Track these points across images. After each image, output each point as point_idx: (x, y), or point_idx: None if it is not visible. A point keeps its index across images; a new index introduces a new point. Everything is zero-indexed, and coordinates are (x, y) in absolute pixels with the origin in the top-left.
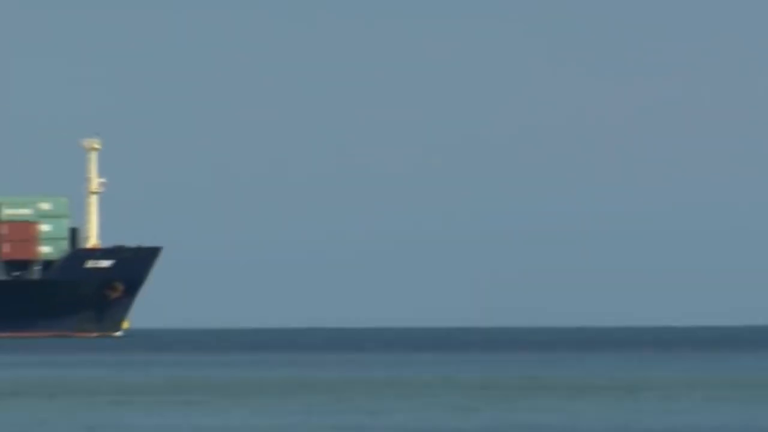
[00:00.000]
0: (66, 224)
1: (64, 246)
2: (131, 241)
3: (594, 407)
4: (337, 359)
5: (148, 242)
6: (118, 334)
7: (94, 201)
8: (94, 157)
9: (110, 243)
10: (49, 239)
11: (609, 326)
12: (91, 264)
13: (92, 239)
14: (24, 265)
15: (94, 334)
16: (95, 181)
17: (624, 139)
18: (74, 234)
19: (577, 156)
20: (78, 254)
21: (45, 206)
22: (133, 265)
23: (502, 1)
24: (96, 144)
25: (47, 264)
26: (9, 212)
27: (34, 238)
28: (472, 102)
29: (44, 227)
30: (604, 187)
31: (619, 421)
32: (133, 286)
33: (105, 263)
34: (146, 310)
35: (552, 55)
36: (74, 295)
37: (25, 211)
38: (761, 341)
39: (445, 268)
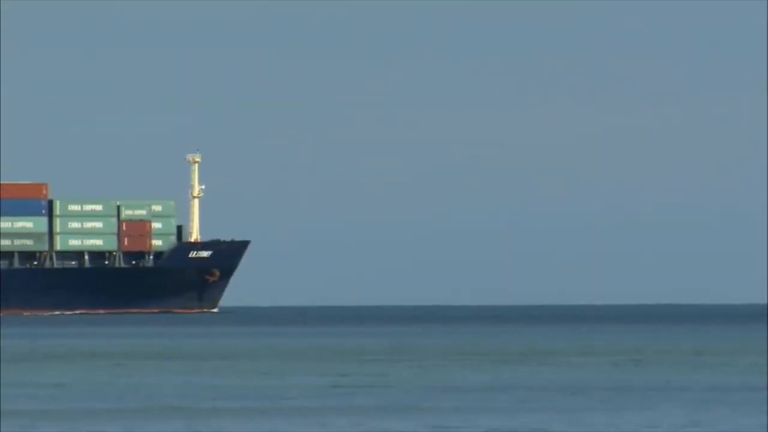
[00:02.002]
0: (173, 222)
1: (172, 240)
2: (226, 236)
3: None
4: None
5: (239, 237)
6: (214, 310)
7: (195, 204)
8: (196, 169)
9: (209, 237)
10: (160, 234)
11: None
12: (193, 254)
13: (194, 234)
14: (140, 255)
15: (196, 311)
16: (197, 188)
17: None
18: (180, 230)
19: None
20: (183, 247)
21: (156, 208)
22: (227, 255)
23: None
24: (197, 158)
25: (158, 254)
26: (128, 212)
27: (147, 234)
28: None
29: (156, 225)
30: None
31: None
32: (227, 272)
33: (204, 254)
34: (237, 292)
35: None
36: (180, 280)
37: (140, 212)
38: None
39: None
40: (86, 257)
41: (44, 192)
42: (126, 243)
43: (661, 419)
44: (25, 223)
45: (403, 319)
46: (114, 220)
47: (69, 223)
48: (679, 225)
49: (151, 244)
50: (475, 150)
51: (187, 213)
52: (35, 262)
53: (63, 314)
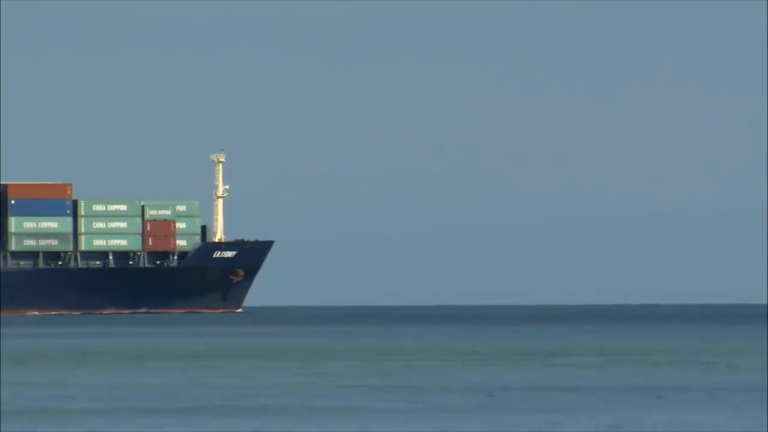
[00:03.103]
0: (198, 222)
1: (196, 240)
2: (250, 236)
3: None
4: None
5: (263, 237)
6: (238, 310)
7: (220, 204)
8: (220, 168)
9: (233, 237)
10: (184, 234)
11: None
12: (217, 254)
13: (219, 234)
14: (164, 255)
15: (220, 311)
16: (221, 188)
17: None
18: (204, 230)
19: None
20: (207, 247)
21: (181, 208)
22: (251, 255)
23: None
24: (222, 158)
25: (183, 254)
26: (152, 213)
27: (172, 234)
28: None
29: (180, 225)
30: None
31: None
32: (251, 272)
33: (229, 254)
34: (261, 292)
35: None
36: (204, 280)
37: (165, 212)
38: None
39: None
40: (111, 257)
41: (69, 192)
42: (150, 243)
43: (660, 419)
44: (49, 224)
45: (427, 318)
46: (138, 220)
47: (93, 223)
48: (679, 225)
49: (175, 244)
50: (480, 151)
51: (211, 213)
52: (60, 262)
53: (86, 314)
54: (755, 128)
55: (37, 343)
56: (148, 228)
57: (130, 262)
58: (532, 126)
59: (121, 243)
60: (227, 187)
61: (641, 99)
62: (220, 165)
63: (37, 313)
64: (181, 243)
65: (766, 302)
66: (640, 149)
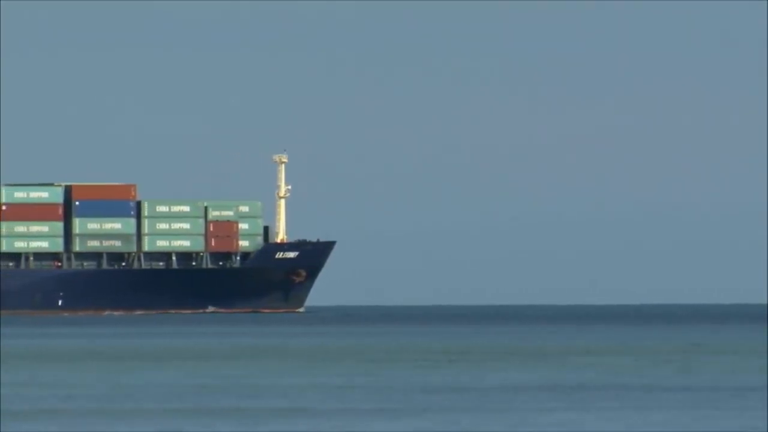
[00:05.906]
0: (260, 223)
1: (259, 240)
2: (312, 237)
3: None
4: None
5: (325, 237)
6: (300, 310)
7: (282, 204)
8: (282, 169)
9: (295, 238)
10: (247, 235)
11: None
12: (279, 255)
13: (281, 235)
14: (227, 256)
15: (282, 311)
16: (283, 188)
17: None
18: (266, 231)
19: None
20: (269, 247)
21: (243, 208)
22: (313, 255)
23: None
24: (284, 158)
25: (245, 255)
26: (215, 213)
27: (234, 234)
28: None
29: (243, 225)
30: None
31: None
32: (313, 272)
33: (291, 254)
34: (323, 292)
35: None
36: (266, 280)
37: (227, 213)
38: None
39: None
40: (174, 258)
41: (133, 193)
42: (213, 244)
43: (660, 419)
44: (113, 225)
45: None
46: (201, 221)
47: (157, 225)
48: (679, 225)
49: (238, 245)
50: (480, 149)
51: (273, 214)
52: (123, 263)
53: (149, 314)
54: (755, 128)
55: (110, 342)
56: (211, 229)
57: (193, 263)
58: (532, 126)
59: (184, 244)
60: (289, 187)
61: (641, 98)
62: (283, 165)
63: (100, 313)
64: (244, 244)
65: (766, 302)
66: (640, 149)
